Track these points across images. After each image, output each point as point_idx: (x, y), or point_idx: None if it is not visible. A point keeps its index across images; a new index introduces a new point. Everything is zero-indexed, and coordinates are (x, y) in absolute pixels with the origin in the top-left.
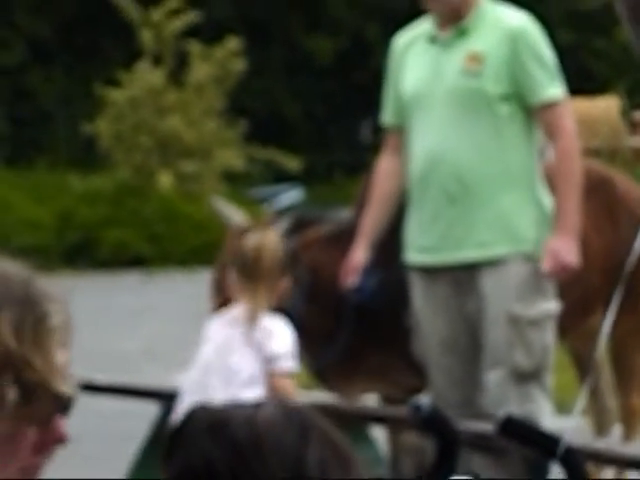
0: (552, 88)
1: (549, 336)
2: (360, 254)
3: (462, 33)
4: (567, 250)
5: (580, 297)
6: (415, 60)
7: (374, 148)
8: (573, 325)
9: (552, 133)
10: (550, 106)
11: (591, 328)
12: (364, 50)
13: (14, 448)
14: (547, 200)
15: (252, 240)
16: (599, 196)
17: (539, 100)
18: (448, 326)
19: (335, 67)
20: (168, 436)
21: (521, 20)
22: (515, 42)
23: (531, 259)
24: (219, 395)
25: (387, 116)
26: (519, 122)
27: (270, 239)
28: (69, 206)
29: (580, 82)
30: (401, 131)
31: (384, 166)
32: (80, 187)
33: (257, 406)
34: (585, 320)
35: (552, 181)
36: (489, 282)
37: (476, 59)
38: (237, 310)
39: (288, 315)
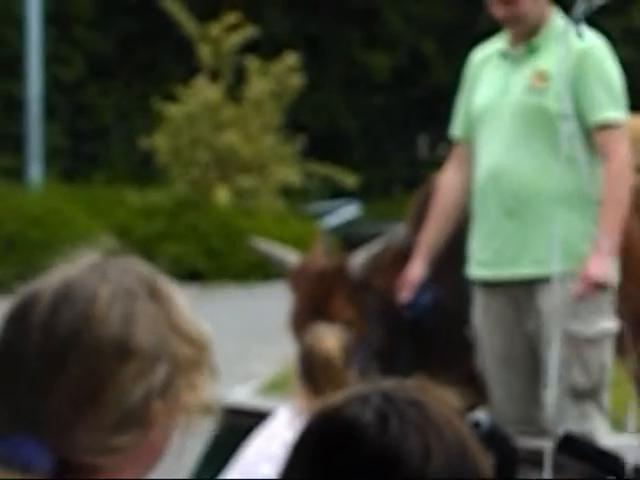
0: (611, 110)
1: (607, 355)
2: (417, 269)
3: (532, 50)
4: (599, 272)
5: (634, 318)
6: (488, 76)
7: (431, 163)
8: (633, 345)
9: (604, 155)
10: (606, 128)
11: None
12: (421, 65)
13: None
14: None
15: (317, 345)
16: None
17: (596, 120)
18: (506, 341)
19: (392, 82)
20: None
21: (589, 39)
22: (580, 61)
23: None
24: None
25: (456, 128)
26: (580, 141)
27: (334, 340)
28: (126, 220)
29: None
30: (468, 144)
31: (447, 179)
32: (137, 202)
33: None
34: None
35: None
36: (546, 300)
37: (542, 77)
38: (299, 409)
39: (366, 342)
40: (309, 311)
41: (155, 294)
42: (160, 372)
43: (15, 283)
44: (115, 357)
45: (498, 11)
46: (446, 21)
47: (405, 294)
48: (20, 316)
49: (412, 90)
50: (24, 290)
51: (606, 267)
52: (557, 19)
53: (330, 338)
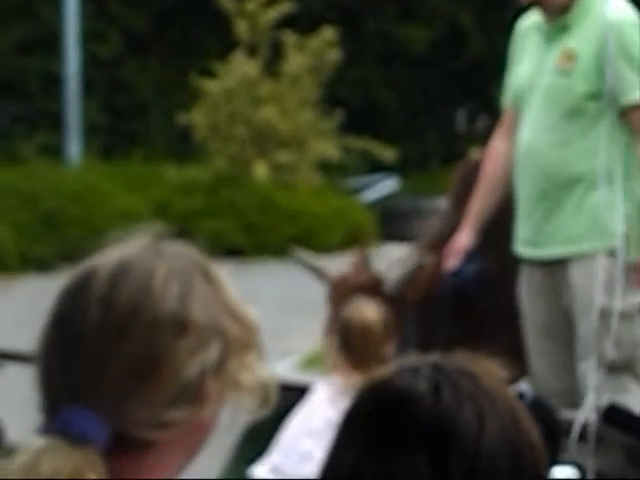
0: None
1: (639, 329)
2: (465, 237)
3: (563, 28)
4: None
5: None
6: (528, 49)
7: (469, 137)
8: None
9: (638, 134)
10: (637, 108)
11: None
12: (459, 39)
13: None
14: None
15: (356, 315)
16: None
17: (627, 101)
18: (547, 312)
19: (430, 56)
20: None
21: (618, 15)
22: (605, 39)
23: (621, 253)
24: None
25: (506, 96)
26: (609, 119)
27: (372, 313)
28: (165, 197)
29: None
30: (517, 111)
31: (496, 146)
32: (176, 178)
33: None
34: None
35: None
36: (578, 275)
37: (569, 57)
38: (340, 384)
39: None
40: None
41: (207, 275)
42: (214, 349)
43: (55, 260)
44: (172, 331)
45: None
46: None
47: (452, 262)
48: (78, 290)
49: (450, 63)
50: (80, 267)
51: None
52: None
53: (369, 310)
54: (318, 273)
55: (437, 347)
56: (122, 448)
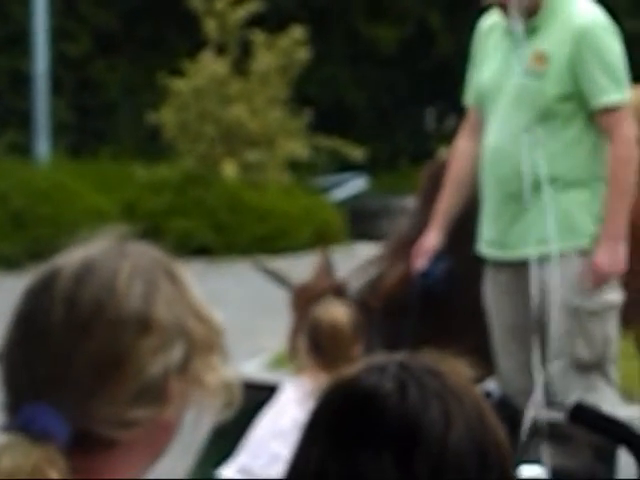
0: (612, 93)
1: (611, 327)
2: (432, 238)
3: (532, 30)
4: (609, 262)
5: None
6: (492, 49)
7: (439, 136)
8: (636, 315)
9: (609, 138)
10: (609, 111)
11: None
12: (428, 38)
13: None
14: None
15: (325, 316)
16: None
17: (598, 104)
18: (513, 313)
19: (399, 55)
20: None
21: (589, 17)
22: (578, 42)
23: (591, 253)
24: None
25: (469, 95)
26: (581, 121)
27: (341, 313)
28: (134, 195)
29: None
30: (480, 112)
31: (461, 146)
32: (144, 176)
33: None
34: None
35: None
36: (549, 275)
37: (541, 59)
38: (308, 385)
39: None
40: None
41: (171, 275)
42: (178, 349)
43: (23, 258)
44: (136, 329)
45: None
46: None
47: (420, 262)
48: (42, 289)
49: (418, 63)
50: (45, 267)
51: (615, 255)
52: None
53: (339, 311)
54: (281, 280)
55: (404, 347)
56: (86, 446)
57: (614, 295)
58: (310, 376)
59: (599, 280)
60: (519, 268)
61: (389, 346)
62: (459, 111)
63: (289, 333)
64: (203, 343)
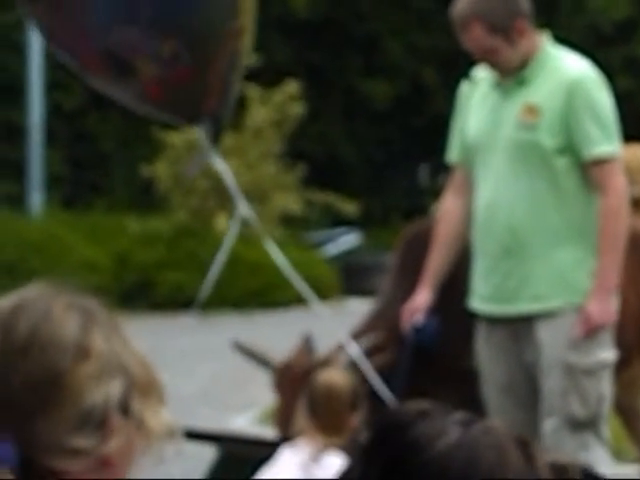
0: (604, 145)
1: (605, 385)
2: (423, 295)
3: (521, 82)
4: (600, 313)
5: (618, 350)
6: (479, 104)
7: (432, 192)
8: (618, 373)
9: (600, 190)
10: (600, 163)
11: (629, 378)
12: (421, 95)
13: None
14: None
15: (322, 379)
16: (638, 252)
17: (589, 155)
18: (507, 371)
19: (392, 111)
20: None
21: (579, 71)
22: (570, 95)
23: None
24: None
25: (452, 153)
26: (575, 174)
27: (340, 377)
28: (126, 248)
29: (638, 127)
30: (466, 169)
31: (448, 206)
32: (138, 229)
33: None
34: (623, 371)
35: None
36: (544, 332)
37: (532, 111)
38: (306, 449)
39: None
40: (294, 410)
41: (108, 316)
42: (117, 384)
43: None
44: (73, 354)
45: (482, 64)
46: (446, 50)
47: (413, 318)
48: None
49: (413, 119)
50: None
51: (606, 307)
52: (547, 47)
53: (337, 375)
54: (263, 361)
55: (395, 401)
56: (32, 476)
57: (608, 353)
58: (308, 440)
59: (590, 330)
60: (515, 324)
61: (378, 400)
62: (450, 164)
63: (276, 415)
64: (143, 384)
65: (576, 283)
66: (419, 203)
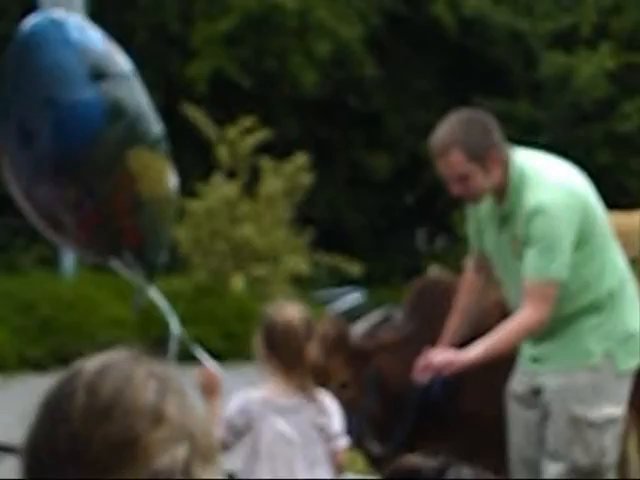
0: (538, 270)
1: (608, 439)
2: (440, 355)
3: (507, 216)
4: (457, 359)
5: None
6: (488, 218)
7: (429, 255)
8: None
9: (526, 303)
10: (529, 283)
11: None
12: (418, 166)
13: None
14: (630, 318)
15: (278, 316)
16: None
17: (524, 276)
18: (529, 445)
19: (392, 181)
20: None
21: (538, 200)
22: (527, 224)
23: (597, 369)
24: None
25: (471, 239)
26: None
27: (294, 311)
28: (150, 306)
29: (617, 198)
30: (482, 255)
31: (469, 280)
32: (161, 288)
33: None
34: None
35: None
36: (554, 387)
37: (516, 242)
38: (272, 393)
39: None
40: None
41: (179, 385)
42: (183, 449)
43: (50, 361)
44: (150, 419)
45: (455, 190)
46: None
47: (423, 376)
48: (66, 381)
49: (410, 188)
50: (68, 369)
51: (462, 356)
52: (517, 175)
53: (292, 309)
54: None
55: (397, 444)
56: None
57: (616, 409)
58: (271, 383)
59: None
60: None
61: (381, 439)
62: (447, 233)
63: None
64: (205, 452)
65: (590, 347)
66: (417, 264)
